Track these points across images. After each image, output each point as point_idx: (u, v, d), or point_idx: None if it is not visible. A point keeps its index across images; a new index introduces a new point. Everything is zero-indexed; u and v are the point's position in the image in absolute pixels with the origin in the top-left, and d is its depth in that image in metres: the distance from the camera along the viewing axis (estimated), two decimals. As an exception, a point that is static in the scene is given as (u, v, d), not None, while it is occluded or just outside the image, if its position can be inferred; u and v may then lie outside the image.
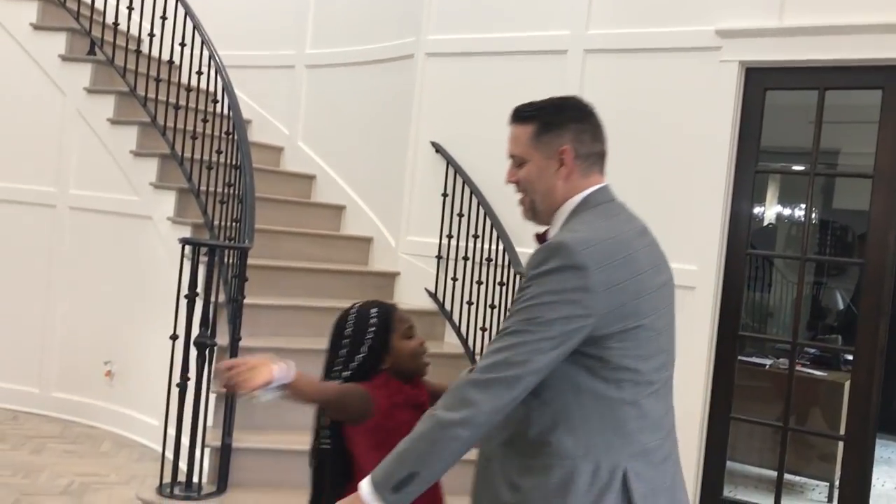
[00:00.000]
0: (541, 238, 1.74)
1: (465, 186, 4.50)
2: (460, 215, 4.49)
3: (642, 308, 1.59)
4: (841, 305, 5.90)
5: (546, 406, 1.59)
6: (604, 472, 1.56)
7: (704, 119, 3.97)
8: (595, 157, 1.73)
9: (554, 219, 1.72)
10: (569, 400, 1.58)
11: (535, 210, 1.74)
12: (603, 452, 1.57)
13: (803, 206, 4.07)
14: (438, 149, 4.68)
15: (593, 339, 1.54)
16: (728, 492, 4.21)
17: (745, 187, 4.00)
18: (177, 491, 3.43)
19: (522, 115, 1.76)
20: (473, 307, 4.30)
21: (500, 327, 1.59)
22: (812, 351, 5.31)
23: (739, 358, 4.45)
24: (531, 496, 1.58)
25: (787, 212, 7.66)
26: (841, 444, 4.01)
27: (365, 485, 1.53)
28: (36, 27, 5.10)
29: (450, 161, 4.60)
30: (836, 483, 4.12)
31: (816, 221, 7.30)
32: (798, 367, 4.68)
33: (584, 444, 1.57)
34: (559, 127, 1.71)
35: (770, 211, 7.61)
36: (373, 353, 1.96)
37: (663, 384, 1.66)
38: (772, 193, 7.61)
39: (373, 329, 1.98)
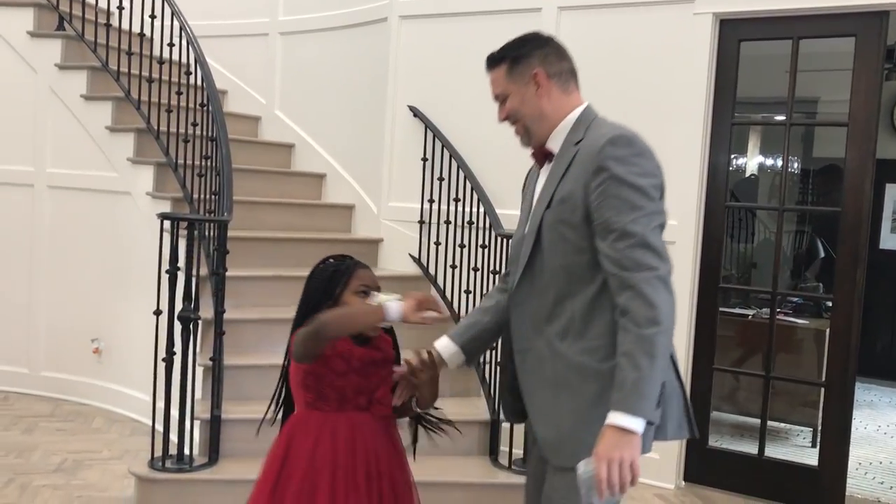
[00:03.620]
0: (545, 152, 1.94)
1: (445, 150, 4.48)
2: (441, 179, 4.49)
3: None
4: (822, 253, 5.94)
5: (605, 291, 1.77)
6: None
7: (679, 72, 3.97)
8: (567, 73, 1.96)
9: (554, 135, 1.93)
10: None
11: (530, 133, 1.95)
12: None
13: (783, 155, 4.08)
14: (416, 113, 4.66)
15: None
16: (713, 441, 4.29)
17: (723, 139, 4.01)
18: (169, 464, 3.46)
19: (493, 59, 1.98)
20: (457, 270, 4.32)
21: (618, 214, 1.72)
22: (795, 300, 5.37)
23: (723, 309, 4.50)
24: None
25: (769, 162, 7.67)
26: (822, 389, 4.08)
27: (632, 422, 1.62)
28: (2, 3, 5.01)
29: (428, 125, 4.58)
30: (819, 428, 4.20)
31: (798, 171, 7.33)
32: (781, 317, 4.74)
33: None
34: (526, 56, 1.93)
35: (752, 161, 7.63)
36: (318, 301, 2.06)
37: None
38: (753, 144, 7.62)
39: (324, 279, 2.09)
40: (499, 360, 3.82)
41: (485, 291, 3.98)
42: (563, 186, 1.84)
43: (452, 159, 4.43)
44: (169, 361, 3.46)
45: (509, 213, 4.16)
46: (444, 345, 2.07)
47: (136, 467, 3.53)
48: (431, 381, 2.05)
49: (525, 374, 1.91)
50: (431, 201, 4.55)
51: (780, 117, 4.38)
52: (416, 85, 4.72)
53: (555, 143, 1.93)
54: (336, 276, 2.08)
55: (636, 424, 1.62)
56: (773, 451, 4.22)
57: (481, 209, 4.19)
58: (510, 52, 1.95)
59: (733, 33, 3.94)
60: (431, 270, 4.54)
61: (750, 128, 7.38)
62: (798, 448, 4.74)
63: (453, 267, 4.35)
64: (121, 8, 4.79)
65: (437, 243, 4.50)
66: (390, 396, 2.09)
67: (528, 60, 1.92)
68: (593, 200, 1.76)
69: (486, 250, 4.09)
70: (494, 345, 3.83)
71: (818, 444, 4.10)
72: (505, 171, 4.34)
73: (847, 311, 3.77)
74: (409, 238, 4.70)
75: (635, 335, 1.66)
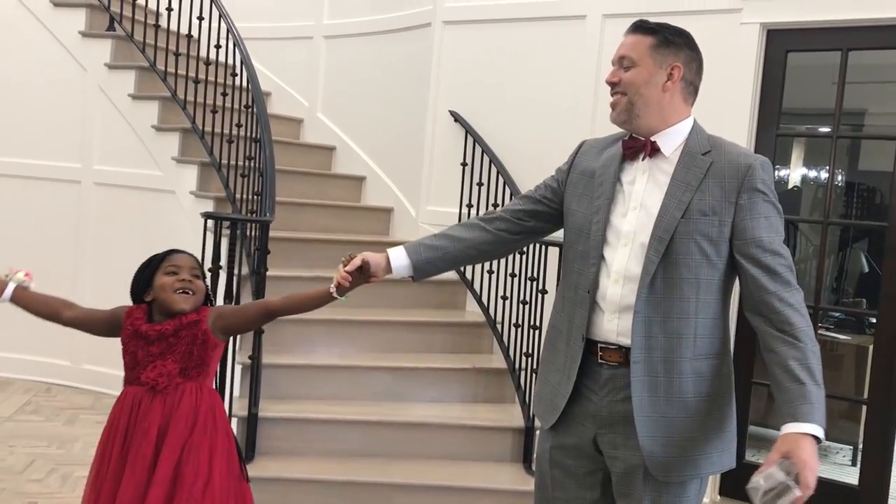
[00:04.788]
0: (653, 146, 1.90)
1: (485, 155, 4.49)
2: (480, 184, 4.50)
3: None
4: (866, 269, 5.83)
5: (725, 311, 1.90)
6: None
7: (725, 82, 3.92)
8: (694, 88, 1.94)
9: (665, 135, 1.90)
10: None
11: (633, 114, 1.89)
12: None
13: (829, 168, 4.02)
14: (457, 117, 4.67)
15: None
16: (751, 456, 4.23)
17: (767, 151, 3.95)
18: (206, 459, 3.50)
19: (645, 26, 1.92)
20: (494, 276, 4.32)
21: (769, 234, 1.82)
22: (837, 315, 5.28)
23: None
24: (723, 386, 1.91)
25: (812, 174, 7.55)
26: (864, 407, 4.00)
27: (822, 434, 1.68)
28: (55, 3, 5.13)
29: (468, 130, 4.59)
30: (860, 446, 4.12)
31: (842, 184, 7.20)
32: (822, 331, 4.67)
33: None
34: (677, 46, 1.90)
35: (795, 174, 7.51)
36: (137, 285, 2.33)
37: None
38: (797, 156, 7.50)
39: (142, 267, 2.35)
40: (526, 360, 3.81)
41: (523, 297, 3.97)
42: (702, 199, 1.83)
43: (492, 164, 4.44)
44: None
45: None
46: (397, 255, 2.05)
47: (174, 462, 3.58)
48: (355, 282, 2.06)
49: (637, 384, 1.84)
50: (470, 206, 4.55)
51: (825, 129, 4.32)
52: (457, 90, 4.74)
53: (666, 144, 1.90)
54: (152, 262, 2.33)
55: (823, 435, 1.68)
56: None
57: (520, 215, 4.19)
58: (665, 31, 1.91)
59: (780, 44, 3.90)
60: (468, 275, 4.55)
61: (793, 139, 7.27)
62: (837, 466, 4.66)
63: (490, 272, 4.35)
64: (169, 9, 4.88)
65: (475, 248, 4.50)
66: (171, 367, 2.22)
67: (676, 50, 1.89)
68: (742, 219, 1.81)
69: (524, 256, 4.08)
70: (530, 352, 3.84)
71: (859, 462, 4.02)
72: (544, 177, 4.33)
73: (892, 327, 3.69)
74: (447, 242, 4.70)
75: (809, 350, 1.75)
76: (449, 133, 4.74)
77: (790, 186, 7.43)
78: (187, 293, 2.27)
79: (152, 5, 5.09)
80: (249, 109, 4.27)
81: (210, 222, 3.64)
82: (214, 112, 4.48)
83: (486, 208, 4.44)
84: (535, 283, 3.91)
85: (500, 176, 4.38)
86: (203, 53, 4.76)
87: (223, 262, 3.56)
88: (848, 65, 3.78)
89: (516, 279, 4.13)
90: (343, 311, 4.10)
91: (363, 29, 5.47)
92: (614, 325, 1.88)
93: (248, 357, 3.65)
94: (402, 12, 5.16)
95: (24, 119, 5.20)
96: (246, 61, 4.31)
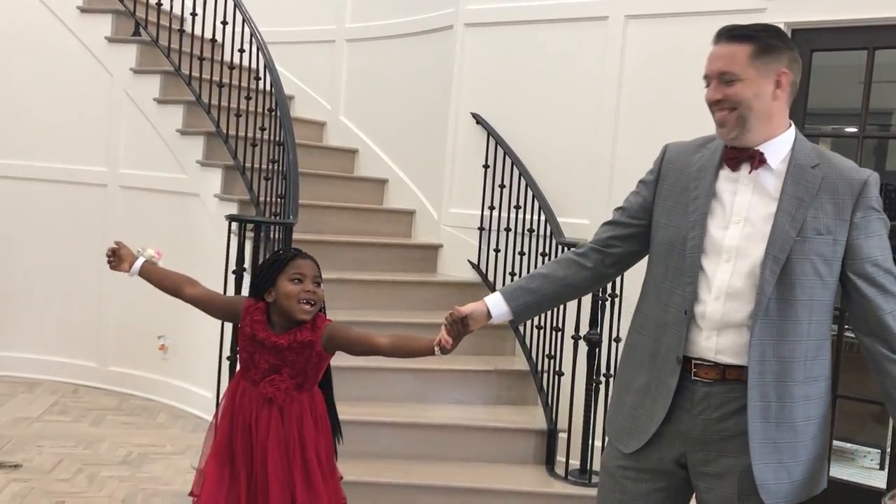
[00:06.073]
0: (761, 159, 1.79)
1: (507, 157, 4.49)
2: (502, 186, 4.49)
3: None
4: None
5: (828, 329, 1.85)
6: None
7: (749, 83, 3.90)
8: (795, 89, 1.82)
9: (772, 145, 1.79)
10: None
11: (745, 129, 1.78)
12: None
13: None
14: (479, 120, 4.67)
15: None
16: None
17: (792, 151, 3.93)
18: (230, 460, 3.53)
19: (740, 33, 1.78)
20: (517, 278, 4.31)
21: (883, 254, 1.78)
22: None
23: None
24: (826, 408, 1.85)
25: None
26: (892, 410, 3.95)
27: None
28: (82, 10, 5.20)
29: (490, 132, 4.59)
30: (888, 449, 4.07)
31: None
32: (850, 333, 4.60)
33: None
34: (778, 50, 1.77)
35: (820, 174, 7.44)
36: (259, 283, 2.34)
37: None
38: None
39: (267, 264, 2.40)
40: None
41: (544, 300, 3.95)
42: (816, 216, 1.75)
43: (514, 166, 4.44)
44: (233, 360, 3.54)
45: (570, 222, 4.15)
46: (496, 303, 2.00)
47: (200, 463, 3.61)
48: (456, 337, 2.06)
49: (752, 410, 1.78)
50: (492, 208, 4.55)
51: (851, 129, 4.28)
52: (479, 92, 4.74)
53: (773, 155, 1.80)
54: (276, 265, 2.33)
55: None
56: (839, 471, 4.10)
57: (542, 217, 4.18)
58: (763, 36, 1.77)
59: (806, 43, 3.86)
60: (490, 277, 4.55)
61: (819, 139, 7.20)
62: (865, 470, 4.60)
63: (512, 274, 4.35)
64: (194, 14, 4.93)
65: (497, 250, 4.50)
66: (287, 383, 2.28)
67: (778, 55, 1.77)
68: (856, 237, 1.76)
69: (547, 258, 4.07)
70: (552, 354, 3.83)
71: (887, 466, 3.97)
72: (567, 179, 4.33)
73: (920, 330, 3.64)
74: (469, 244, 4.71)
75: None
76: (471, 135, 4.75)
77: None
78: (310, 304, 2.30)
79: (177, 10, 5.14)
80: (273, 113, 4.30)
81: (234, 225, 3.67)
82: (238, 116, 4.52)
83: (508, 210, 4.44)
84: (557, 284, 3.90)
85: (522, 178, 4.37)
86: (227, 58, 4.80)
87: (247, 264, 3.58)
88: (874, 64, 3.74)
89: (539, 281, 4.12)
90: (366, 314, 4.12)
91: (385, 32, 5.49)
92: (712, 343, 1.80)
93: (271, 359, 3.67)
94: (424, 15, 5.18)
95: (51, 123, 5.27)
96: (269, 65, 4.35)
